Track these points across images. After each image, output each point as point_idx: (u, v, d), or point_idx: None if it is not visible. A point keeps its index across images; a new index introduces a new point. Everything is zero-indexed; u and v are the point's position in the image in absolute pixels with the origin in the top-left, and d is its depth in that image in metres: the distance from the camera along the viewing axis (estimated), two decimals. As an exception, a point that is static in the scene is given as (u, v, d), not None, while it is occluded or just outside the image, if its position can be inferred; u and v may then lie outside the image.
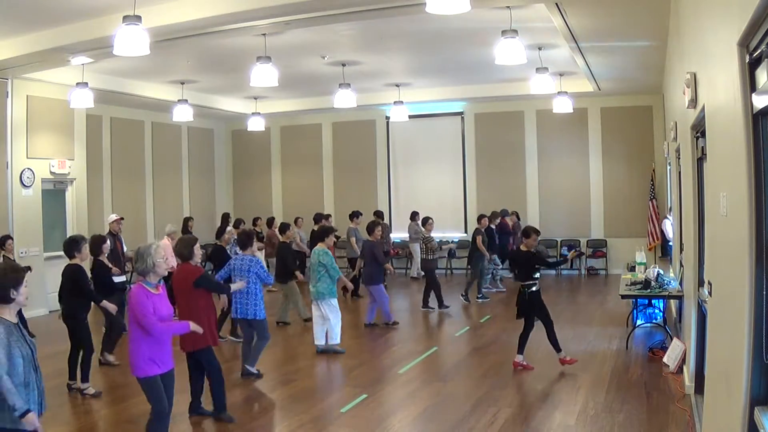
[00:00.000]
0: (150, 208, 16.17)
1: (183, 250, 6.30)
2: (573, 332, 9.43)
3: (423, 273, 12.28)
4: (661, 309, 9.27)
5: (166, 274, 5.01)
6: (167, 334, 4.95)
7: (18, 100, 11.43)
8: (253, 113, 15.69)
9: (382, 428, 5.99)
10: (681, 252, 8.28)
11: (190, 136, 17.54)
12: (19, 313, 5.13)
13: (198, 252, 6.27)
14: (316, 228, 10.10)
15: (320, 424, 6.07)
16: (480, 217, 12.99)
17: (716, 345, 4.21)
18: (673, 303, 9.56)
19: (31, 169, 11.68)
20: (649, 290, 8.35)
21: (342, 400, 6.77)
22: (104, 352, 8.18)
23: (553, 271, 13.78)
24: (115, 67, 11.63)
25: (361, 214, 13.58)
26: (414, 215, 14.94)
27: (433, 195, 16.56)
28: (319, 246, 8.83)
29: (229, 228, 11.54)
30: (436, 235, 15.89)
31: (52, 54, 9.60)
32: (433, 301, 11.56)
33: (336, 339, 8.69)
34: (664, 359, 7.60)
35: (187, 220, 13.69)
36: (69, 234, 12.64)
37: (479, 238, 12.43)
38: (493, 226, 13.28)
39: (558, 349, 7.62)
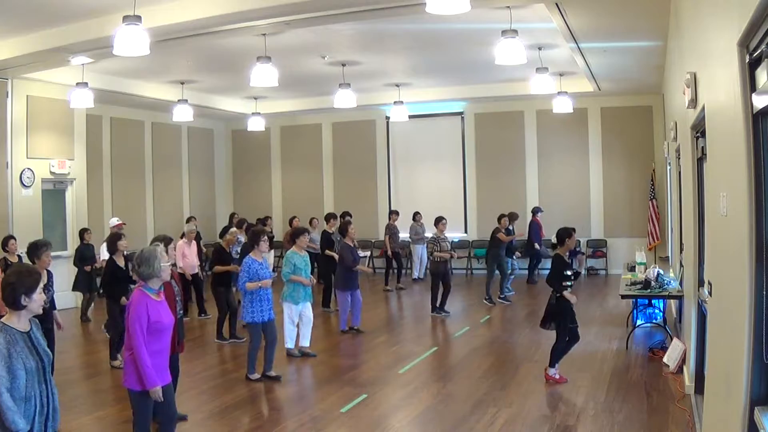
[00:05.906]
0: (150, 208, 16.17)
1: None
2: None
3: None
4: (661, 309, 9.27)
5: (169, 278, 4.69)
6: (141, 360, 4.34)
7: (18, 100, 11.43)
8: (253, 113, 15.69)
9: (382, 428, 5.99)
10: (681, 252, 8.29)
11: (190, 136, 17.54)
12: (43, 319, 4.79)
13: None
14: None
15: (320, 424, 6.06)
16: (500, 217, 12.72)
17: (716, 345, 4.21)
18: (673, 303, 9.55)
19: (31, 169, 11.68)
20: (649, 290, 8.36)
21: (342, 400, 6.76)
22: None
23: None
24: (115, 67, 11.62)
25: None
26: (415, 215, 15.19)
27: (433, 195, 16.53)
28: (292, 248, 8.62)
29: (232, 229, 11.47)
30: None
31: (52, 54, 9.59)
32: (447, 306, 11.16)
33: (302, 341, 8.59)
34: (664, 359, 7.60)
35: (188, 219, 14.17)
36: (69, 234, 12.68)
37: (501, 235, 12.31)
38: (511, 227, 13.15)
39: (552, 363, 7.06)
